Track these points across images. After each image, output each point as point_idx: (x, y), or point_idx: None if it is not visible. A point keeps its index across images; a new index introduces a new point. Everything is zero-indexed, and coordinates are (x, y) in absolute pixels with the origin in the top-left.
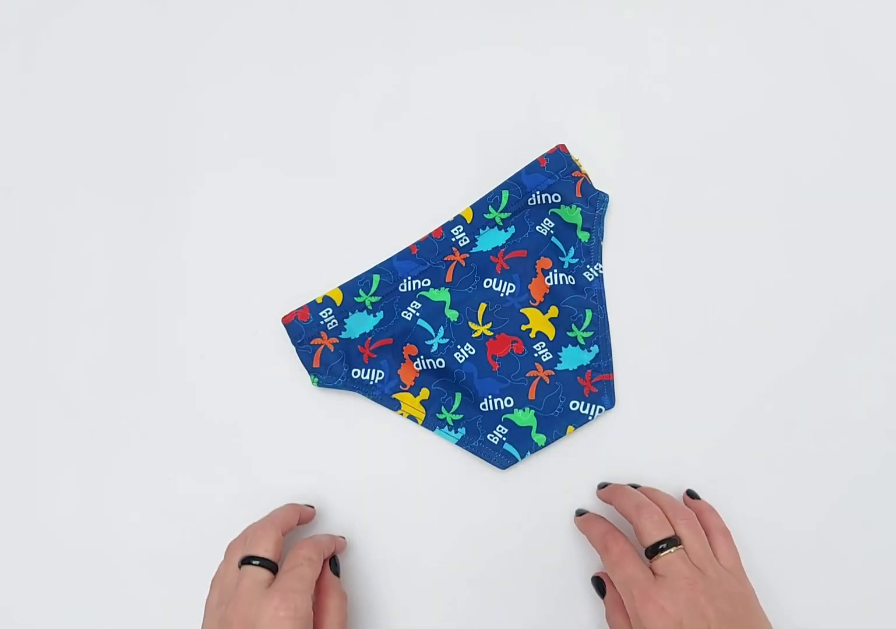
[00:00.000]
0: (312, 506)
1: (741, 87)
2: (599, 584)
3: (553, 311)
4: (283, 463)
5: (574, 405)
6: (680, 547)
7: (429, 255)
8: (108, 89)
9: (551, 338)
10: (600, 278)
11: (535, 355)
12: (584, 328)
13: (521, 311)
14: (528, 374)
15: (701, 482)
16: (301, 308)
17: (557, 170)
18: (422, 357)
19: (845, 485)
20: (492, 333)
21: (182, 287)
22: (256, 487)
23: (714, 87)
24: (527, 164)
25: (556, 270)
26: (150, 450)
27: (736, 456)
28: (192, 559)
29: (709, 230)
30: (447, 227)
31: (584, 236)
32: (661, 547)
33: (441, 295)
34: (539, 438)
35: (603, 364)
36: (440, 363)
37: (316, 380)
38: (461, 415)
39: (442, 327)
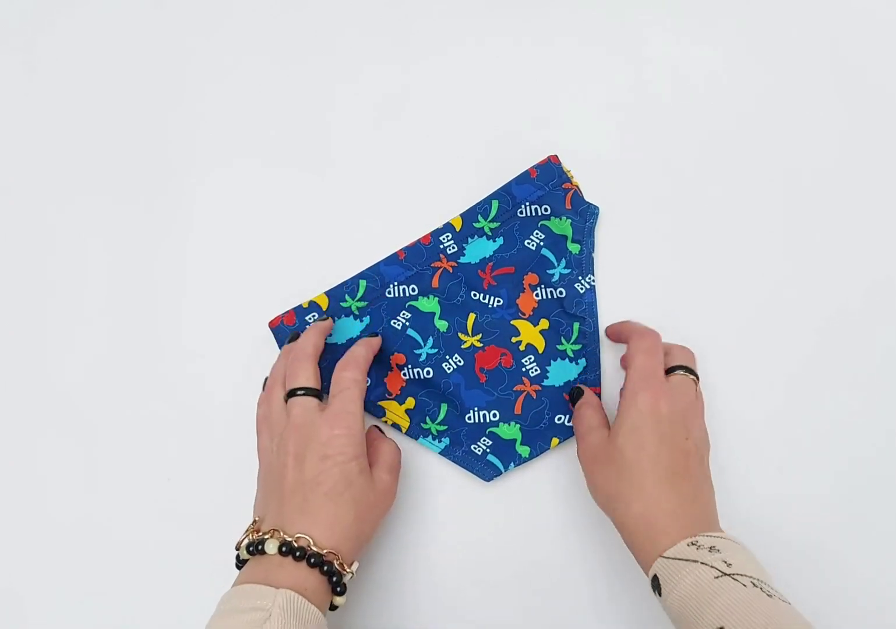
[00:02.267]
0: (377, 334)
1: (740, 88)
2: (579, 393)
3: (544, 324)
4: None
5: (559, 419)
6: (693, 377)
7: (416, 260)
8: (107, 89)
9: (541, 352)
10: (592, 290)
11: (524, 369)
12: (572, 341)
13: (511, 322)
14: (515, 388)
15: None
16: (287, 312)
17: (548, 181)
18: (409, 366)
19: (845, 486)
20: (481, 345)
21: (182, 287)
22: (256, 487)
23: (713, 87)
24: (518, 174)
25: (543, 285)
26: (150, 450)
27: (725, 469)
28: (192, 559)
29: (708, 235)
30: (436, 233)
31: (574, 248)
32: (678, 369)
33: (430, 304)
34: (523, 450)
35: (590, 377)
36: (427, 373)
37: None
38: (445, 426)
39: (431, 337)
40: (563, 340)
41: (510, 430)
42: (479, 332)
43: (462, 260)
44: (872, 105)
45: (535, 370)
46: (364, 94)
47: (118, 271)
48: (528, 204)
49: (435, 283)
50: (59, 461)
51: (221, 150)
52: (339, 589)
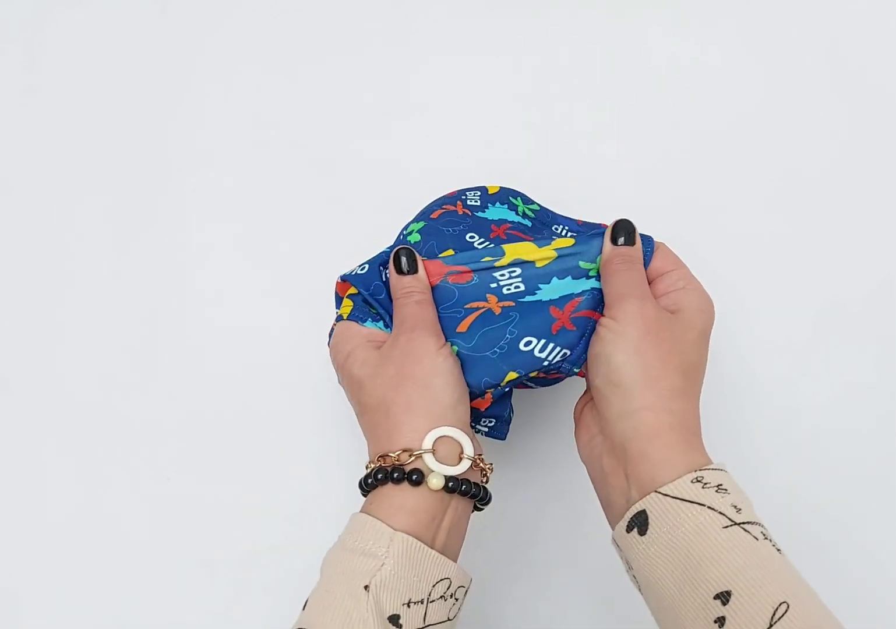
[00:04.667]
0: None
1: (740, 88)
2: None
3: (565, 242)
4: (283, 463)
5: (528, 343)
6: None
7: (429, 209)
8: (108, 90)
9: (539, 265)
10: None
11: (493, 285)
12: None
13: (501, 246)
14: (466, 306)
15: None
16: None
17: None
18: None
19: (845, 487)
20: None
21: (182, 286)
22: (256, 487)
23: (712, 88)
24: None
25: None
26: (150, 450)
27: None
28: (192, 559)
29: (707, 235)
30: (464, 190)
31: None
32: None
33: (415, 226)
34: None
35: (600, 297)
36: (362, 268)
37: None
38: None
39: (401, 238)
40: (583, 263)
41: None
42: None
43: (479, 214)
44: (872, 104)
45: (517, 286)
46: (363, 94)
47: (118, 271)
48: (565, 227)
49: (435, 215)
50: (59, 461)
51: (221, 151)
52: (483, 502)
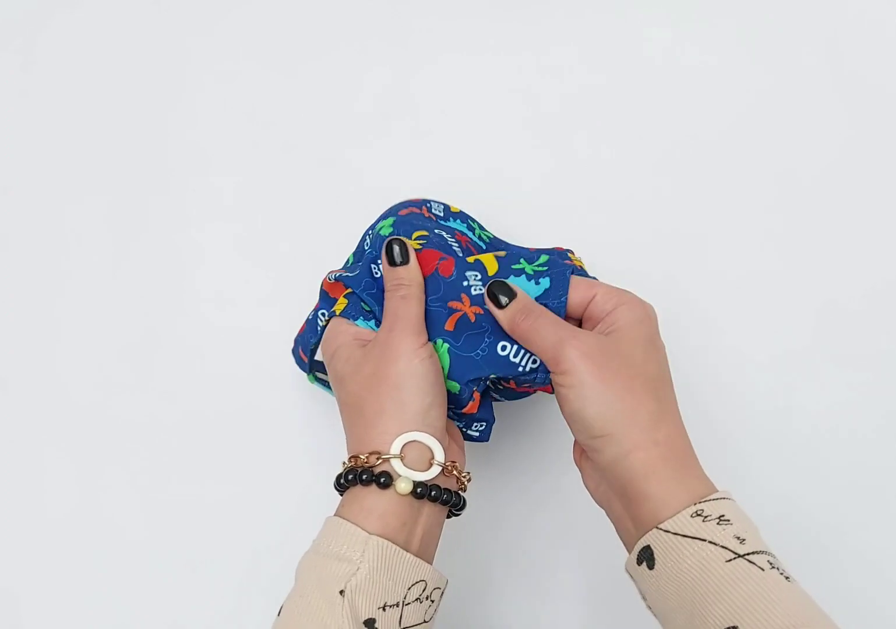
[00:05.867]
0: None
1: (740, 89)
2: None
3: (501, 253)
4: (283, 463)
5: (504, 348)
6: None
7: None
8: (106, 90)
9: (490, 274)
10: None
11: (465, 284)
12: (535, 264)
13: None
14: (449, 304)
15: None
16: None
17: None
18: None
19: (843, 492)
20: (419, 247)
21: (182, 286)
22: (255, 488)
23: (713, 87)
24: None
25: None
26: (149, 450)
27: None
28: (192, 559)
29: (707, 235)
30: (428, 200)
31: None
32: None
33: (386, 222)
34: (451, 386)
35: (552, 303)
36: (354, 271)
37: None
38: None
39: (368, 238)
40: (521, 261)
41: (439, 350)
42: (422, 240)
43: (442, 222)
44: (872, 104)
45: (479, 289)
46: (363, 94)
47: (117, 271)
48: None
49: (403, 212)
50: (57, 461)
51: (220, 150)
52: (457, 508)
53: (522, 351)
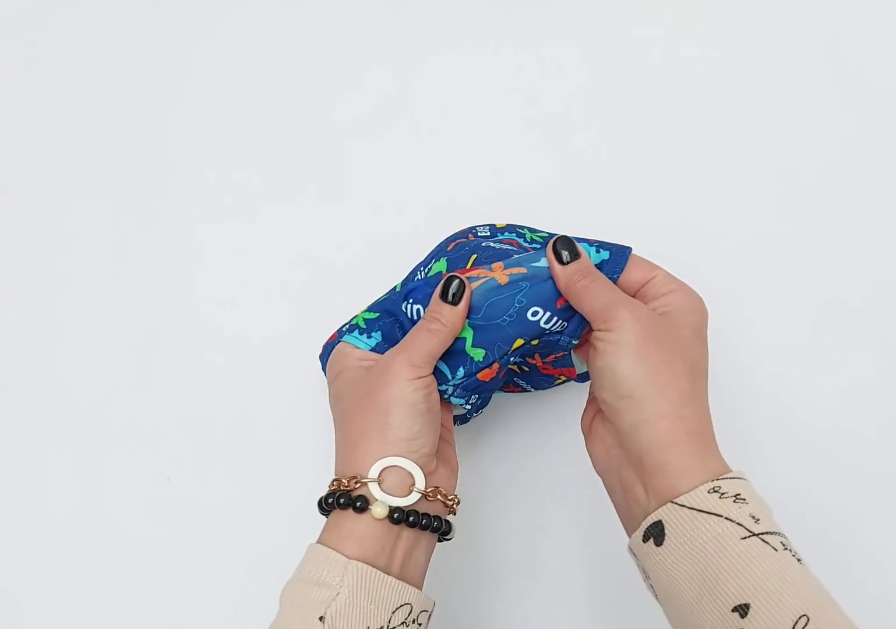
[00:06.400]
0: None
1: (739, 89)
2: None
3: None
4: (284, 465)
5: (535, 314)
6: None
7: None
8: (106, 90)
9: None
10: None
11: (501, 258)
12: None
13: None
14: (474, 272)
15: None
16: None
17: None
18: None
19: (847, 488)
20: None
21: (182, 286)
22: (256, 489)
23: (712, 88)
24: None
25: None
26: (150, 450)
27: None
28: (192, 559)
29: (706, 235)
30: (474, 226)
31: None
32: None
33: (439, 265)
34: (476, 353)
35: (608, 271)
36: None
37: None
38: (377, 314)
39: (420, 274)
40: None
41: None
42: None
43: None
44: (873, 102)
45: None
46: (363, 94)
47: (117, 271)
48: None
49: (449, 248)
50: (58, 462)
51: (221, 151)
52: (441, 533)
53: (555, 318)
